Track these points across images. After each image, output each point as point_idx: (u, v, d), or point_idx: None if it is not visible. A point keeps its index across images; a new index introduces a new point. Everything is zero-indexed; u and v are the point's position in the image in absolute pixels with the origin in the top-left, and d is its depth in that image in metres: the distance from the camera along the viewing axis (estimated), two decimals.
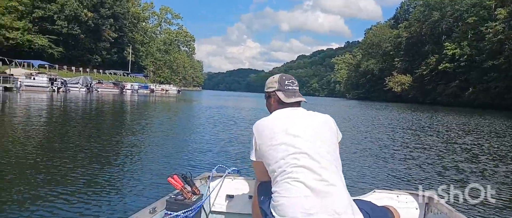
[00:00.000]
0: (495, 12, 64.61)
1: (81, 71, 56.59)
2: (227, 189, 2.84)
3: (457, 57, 73.83)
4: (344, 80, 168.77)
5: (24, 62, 45.51)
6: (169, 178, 2.38)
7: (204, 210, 2.69)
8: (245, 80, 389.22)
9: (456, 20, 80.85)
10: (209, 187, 2.77)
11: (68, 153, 7.06)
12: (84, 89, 42.68)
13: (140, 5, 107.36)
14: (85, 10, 65.85)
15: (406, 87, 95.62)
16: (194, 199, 2.39)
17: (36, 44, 55.52)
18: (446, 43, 78.35)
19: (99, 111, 20.90)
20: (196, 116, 20.93)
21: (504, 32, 59.22)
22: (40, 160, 6.38)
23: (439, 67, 78.77)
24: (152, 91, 61.43)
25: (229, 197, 2.83)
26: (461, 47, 73.55)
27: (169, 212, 2.31)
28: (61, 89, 37.45)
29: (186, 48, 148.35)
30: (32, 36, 55.09)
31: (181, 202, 2.34)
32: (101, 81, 52.48)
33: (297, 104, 2.08)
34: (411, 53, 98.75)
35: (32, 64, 44.75)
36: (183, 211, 2.28)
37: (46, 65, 46.02)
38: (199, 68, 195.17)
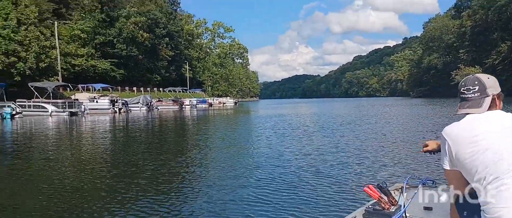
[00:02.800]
0: None
1: (142, 90, 59.39)
2: (424, 200, 2.73)
3: None
4: (405, 78, 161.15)
5: (87, 86, 48.41)
6: (365, 188, 2.44)
7: None
8: (301, 87, 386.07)
9: None
10: (405, 198, 2.68)
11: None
12: (144, 108, 44.48)
13: (194, 22, 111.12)
14: (141, 31, 69.29)
15: None
16: (393, 210, 2.38)
17: (99, 68, 59.28)
18: None
19: (161, 127, 21.41)
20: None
21: None
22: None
23: None
24: (210, 104, 62.77)
25: (427, 209, 2.72)
26: None
27: None
28: (122, 110, 39.21)
29: (240, 60, 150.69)
30: (96, 61, 58.93)
31: (380, 212, 2.38)
32: (161, 99, 54.55)
33: (494, 105, 1.86)
34: (478, 43, 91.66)
35: (94, 87, 47.50)
36: None
37: (109, 88, 48.81)
38: (254, 78, 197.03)
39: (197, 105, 57.44)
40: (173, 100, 55.24)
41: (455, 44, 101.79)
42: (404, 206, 2.51)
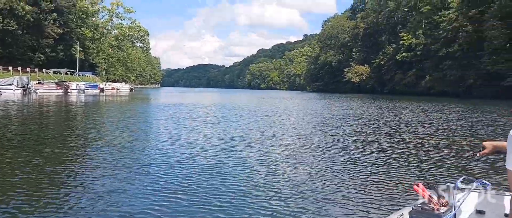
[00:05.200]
0: (449, 0, 65.70)
1: (20, 71, 51.42)
2: (476, 203, 2.64)
3: (413, 46, 74.83)
4: (303, 73, 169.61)
5: None
6: (415, 187, 2.43)
7: None
8: (206, 76, 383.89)
9: (411, 9, 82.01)
10: (455, 200, 2.54)
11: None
12: (19, 91, 38.30)
13: None
14: (22, 3, 60.08)
15: (365, 78, 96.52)
16: (443, 211, 2.34)
17: None
18: (402, 33, 79.33)
19: (33, 115, 17.74)
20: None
21: (458, 20, 60.19)
22: None
23: (397, 57, 79.66)
24: (102, 90, 57.14)
25: (480, 212, 2.62)
26: (416, 37, 74.60)
27: None
28: None
29: (141, 44, 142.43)
30: None
31: (429, 212, 2.34)
32: (42, 81, 47.81)
33: None
34: (368, 44, 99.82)
35: None
36: None
37: None
38: (156, 64, 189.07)
39: (85, 90, 51.64)
40: (56, 83, 48.78)
41: (349, 44, 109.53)
42: (454, 208, 2.43)
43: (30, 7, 61.83)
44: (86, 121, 16.78)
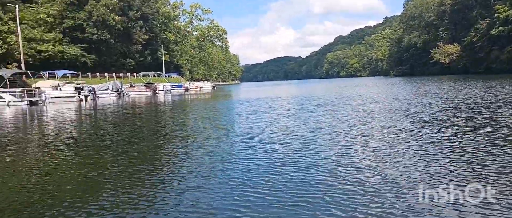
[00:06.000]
0: None
1: (114, 76, 56.52)
2: None
3: (511, 18, 66.61)
4: (386, 57, 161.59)
5: (51, 72, 43.86)
6: None
7: None
8: (283, 69, 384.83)
9: None
10: None
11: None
12: (114, 95, 41.98)
13: (170, 4, 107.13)
14: (112, 14, 65.79)
15: (455, 58, 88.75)
16: None
17: (68, 54, 55.63)
18: (497, 5, 71.01)
19: (127, 116, 19.44)
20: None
21: None
22: None
23: (492, 32, 71.62)
24: (187, 89, 60.39)
25: None
26: None
27: None
28: (88, 97, 36.50)
29: (220, 43, 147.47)
30: (64, 46, 55.22)
31: None
32: (133, 85, 51.94)
33: None
34: (457, 21, 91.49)
35: (57, 74, 43.68)
36: None
37: (75, 74, 45.78)
38: (235, 61, 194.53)
39: (171, 90, 54.99)
40: (146, 85, 52.67)
41: (434, 22, 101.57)
42: None
43: (119, 17, 67.42)
44: (172, 119, 17.82)
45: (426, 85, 38.88)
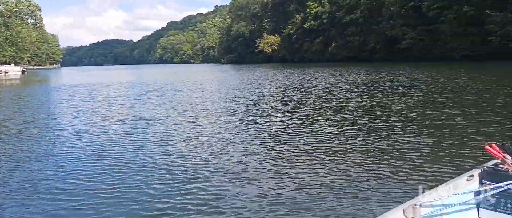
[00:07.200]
0: None
1: None
2: None
3: (319, 14, 77.46)
4: (217, 45, 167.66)
5: None
6: (487, 147, 2.31)
7: None
8: (112, 52, 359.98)
9: None
10: None
11: None
12: None
13: None
14: None
15: (276, 48, 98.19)
16: None
17: None
18: (309, 2, 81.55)
19: None
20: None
21: None
22: None
23: (305, 26, 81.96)
24: None
25: None
26: (322, 5, 77.20)
27: (488, 182, 2.24)
28: None
29: (32, 20, 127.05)
30: None
31: (503, 173, 2.23)
32: None
33: None
34: (278, 13, 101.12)
35: None
36: (505, 182, 2.14)
37: None
38: (54, 42, 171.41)
39: None
40: None
41: (259, 14, 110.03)
42: None
43: None
44: None
45: (250, 72, 41.71)
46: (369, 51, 62.73)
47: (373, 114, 9.12)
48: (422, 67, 32.84)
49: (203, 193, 4.17)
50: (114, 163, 5.48)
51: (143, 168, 5.19)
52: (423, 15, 49.83)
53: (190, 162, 5.45)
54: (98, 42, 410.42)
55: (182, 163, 5.37)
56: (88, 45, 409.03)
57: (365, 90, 15.38)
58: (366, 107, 10.39)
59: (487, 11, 39.77)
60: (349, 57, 66.32)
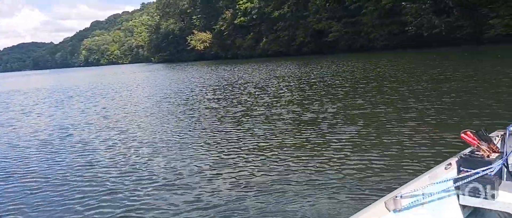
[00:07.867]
0: None
1: None
2: None
3: (249, 10, 77.91)
4: (146, 44, 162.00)
5: None
6: (462, 135, 2.35)
7: (508, 169, 2.45)
8: (31, 57, 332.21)
9: None
10: (507, 145, 2.53)
11: None
12: None
13: None
14: None
15: (208, 45, 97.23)
16: (494, 157, 2.29)
17: None
18: None
19: None
20: None
21: None
22: None
23: (235, 22, 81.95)
24: None
25: None
26: (251, 0, 77.68)
27: (466, 169, 2.27)
28: None
29: None
30: None
31: (479, 159, 2.29)
32: None
33: None
34: (207, 10, 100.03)
35: None
36: (482, 168, 2.20)
37: None
38: None
39: None
40: None
41: (188, 10, 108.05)
42: (506, 153, 2.38)
43: None
44: None
45: (182, 71, 40.83)
46: (298, 45, 64.37)
47: (302, 108, 9.24)
48: (347, 58, 34.45)
49: (129, 203, 3.84)
50: (28, 180, 4.89)
51: (58, 182, 4.69)
52: (346, 8, 52.22)
53: (115, 171, 5.04)
54: (13, 46, 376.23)
55: (104, 174, 4.94)
56: (1, 49, 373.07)
57: (295, 83, 15.66)
58: (297, 102, 10.53)
59: (403, 3, 42.70)
60: (280, 52, 67.59)
